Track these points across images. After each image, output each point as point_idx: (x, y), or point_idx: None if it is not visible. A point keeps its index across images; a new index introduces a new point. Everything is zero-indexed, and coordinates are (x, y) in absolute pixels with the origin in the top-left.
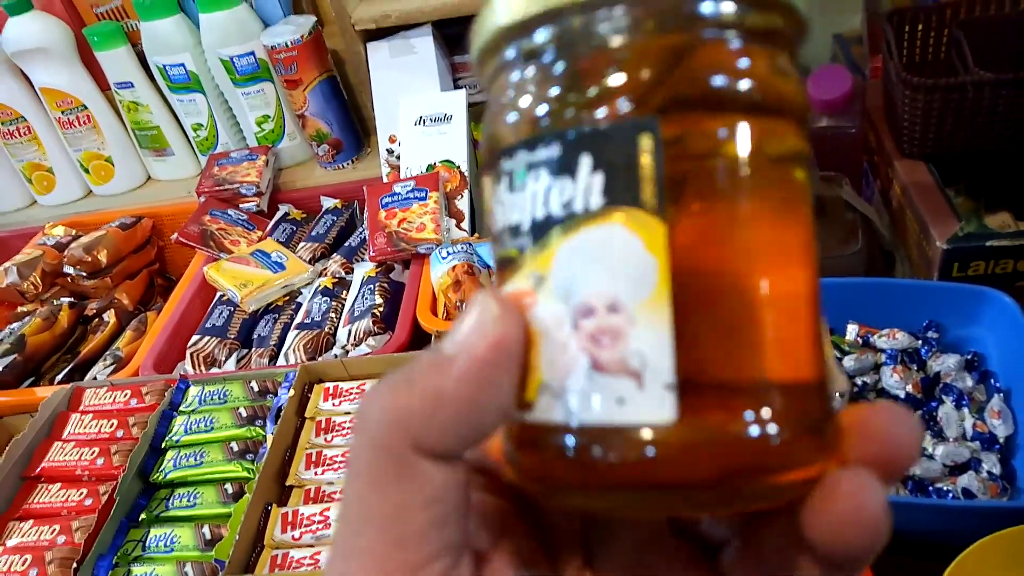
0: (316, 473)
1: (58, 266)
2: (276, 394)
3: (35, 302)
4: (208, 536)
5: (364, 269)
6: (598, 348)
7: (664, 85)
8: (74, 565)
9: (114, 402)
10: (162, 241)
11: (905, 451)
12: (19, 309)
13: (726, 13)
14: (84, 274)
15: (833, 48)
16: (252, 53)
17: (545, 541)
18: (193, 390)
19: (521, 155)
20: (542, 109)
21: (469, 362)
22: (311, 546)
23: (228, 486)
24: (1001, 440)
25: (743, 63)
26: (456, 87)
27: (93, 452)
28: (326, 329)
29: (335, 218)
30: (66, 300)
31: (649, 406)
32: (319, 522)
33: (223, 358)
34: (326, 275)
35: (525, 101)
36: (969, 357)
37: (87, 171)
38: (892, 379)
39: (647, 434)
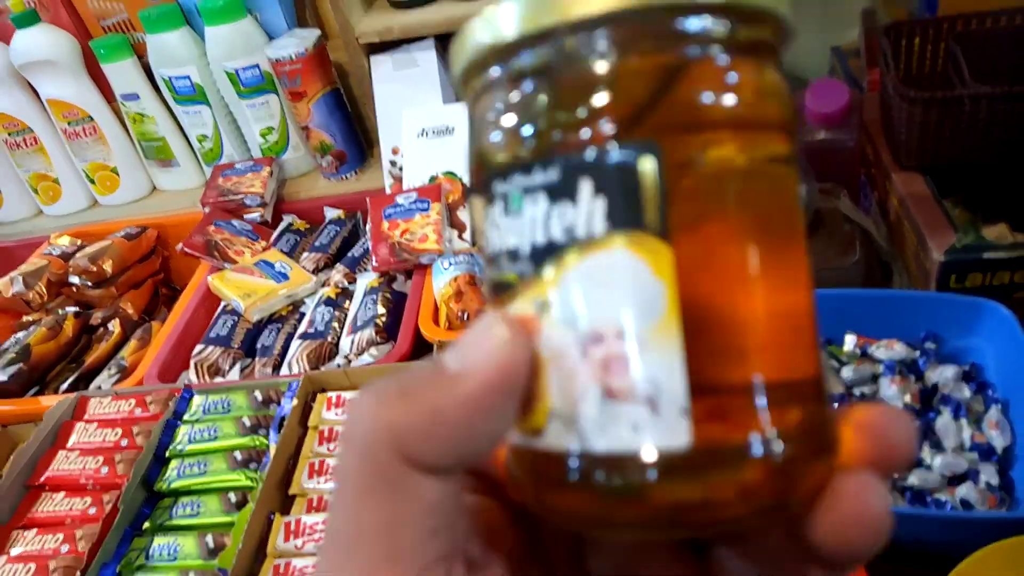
0: (319, 482)
1: (63, 276)
2: (279, 404)
3: (40, 311)
4: (211, 545)
5: (367, 279)
6: (609, 375)
7: (662, 106)
8: (77, 574)
9: (118, 411)
10: (167, 251)
11: (903, 449)
12: (24, 318)
13: (719, 30)
14: (89, 284)
15: (831, 61)
16: (257, 66)
17: (536, 542)
18: (197, 399)
19: (516, 179)
20: (536, 132)
21: (473, 384)
22: (314, 555)
23: (231, 495)
24: (999, 451)
25: (737, 80)
26: (458, 100)
27: (97, 461)
28: (329, 339)
29: (338, 229)
30: (71, 310)
31: (664, 432)
32: (322, 531)
33: (227, 368)
34: (329, 285)
35: (518, 123)
36: (967, 368)
37: (93, 181)
38: (890, 390)
39: (664, 460)
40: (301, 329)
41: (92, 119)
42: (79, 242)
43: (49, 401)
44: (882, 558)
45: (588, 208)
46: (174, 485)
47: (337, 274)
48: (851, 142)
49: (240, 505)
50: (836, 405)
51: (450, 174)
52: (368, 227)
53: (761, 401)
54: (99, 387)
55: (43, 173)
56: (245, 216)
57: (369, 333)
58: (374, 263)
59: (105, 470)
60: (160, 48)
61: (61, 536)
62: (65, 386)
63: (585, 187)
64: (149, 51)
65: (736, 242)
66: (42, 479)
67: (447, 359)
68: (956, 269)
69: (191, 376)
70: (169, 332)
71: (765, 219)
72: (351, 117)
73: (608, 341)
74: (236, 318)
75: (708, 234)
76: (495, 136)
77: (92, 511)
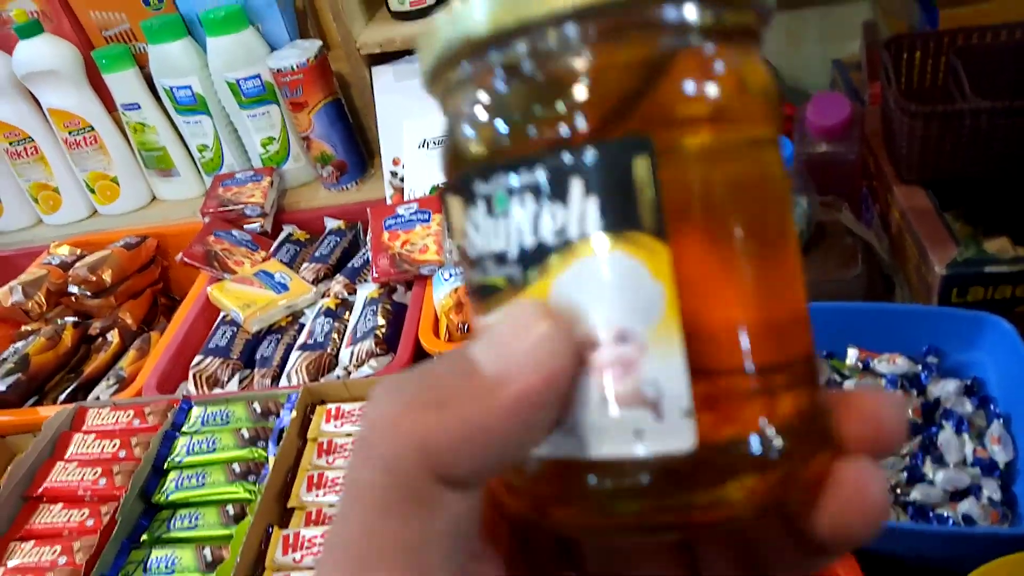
0: (318, 495)
1: (63, 285)
2: (278, 415)
3: (39, 321)
4: (209, 558)
5: (367, 290)
6: (610, 380)
7: (651, 99)
8: None
9: (117, 422)
10: (166, 261)
11: (895, 432)
12: (23, 328)
13: (704, 18)
14: (88, 294)
15: (832, 73)
16: (258, 76)
17: (524, 544)
18: (196, 411)
19: (499, 178)
20: (519, 130)
21: (516, 393)
22: (312, 568)
23: (230, 507)
24: (1001, 466)
25: (725, 68)
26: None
27: (95, 472)
28: (328, 350)
29: (338, 239)
30: (70, 320)
31: (668, 435)
32: (320, 544)
33: (226, 378)
34: (329, 296)
35: (498, 121)
36: (969, 382)
37: (93, 191)
38: None
39: (669, 464)
40: (300, 340)
41: (93, 129)
42: (79, 251)
43: (47, 411)
44: (885, 574)
45: (580, 209)
46: (172, 497)
47: (337, 285)
48: (852, 155)
49: (238, 518)
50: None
51: None
52: (368, 238)
53: (763, 398)
54: (97, 397)
55: (43, 183)
56: (245, 226)
57: (369, 344)
58: (374, 274)
59: (103, 482)
60: (162, 58)
61: (59, 548)
62: (63, 396)
63: (576, 187)
64: (151, 61)
65: (732, 236)
66: (40, 490)
67: (481, 358)
68: (958, 283)
69: (190, 387)
70: (168, 342)
71: (759, 208)
72: (352, 128)
73: (607, 345)
74: (235, 329)
75: (703, 230)
76: (473, 134)
77: (90, 523)
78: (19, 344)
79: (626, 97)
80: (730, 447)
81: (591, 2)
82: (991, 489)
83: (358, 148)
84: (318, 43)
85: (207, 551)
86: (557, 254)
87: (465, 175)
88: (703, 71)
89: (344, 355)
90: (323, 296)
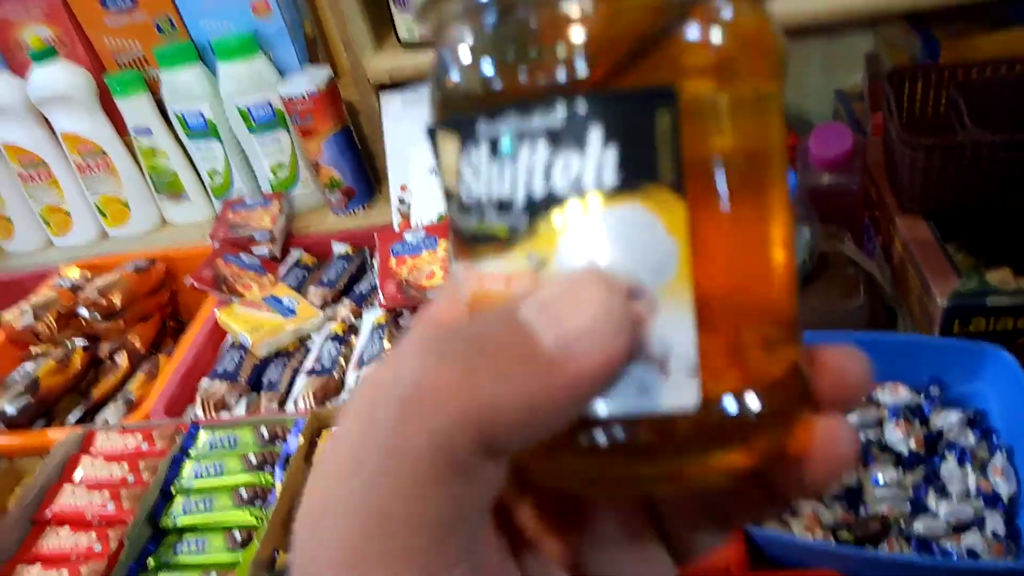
0: None
1: (72, 308)
2: (285, 440)
3: (48, 343)
4: None
5: (373, 315)
6: None
7: (675, 46)
8: None
9: (125, 446)
10: (175, 284)
11: (860, 384)
12: (32, 349)
13: None
14: (98, 316)
15: (835, 103)
16: (269, 103)
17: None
18: (203, 435)
19: (510, 120)
20: (538, 68)
21: (579, 373)
22: None
23: (236, 533)
24: (1005, 499)
25: (741, 16)
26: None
27: (103, 496)
28: (335, 375)
29: (346, 264)
30: (80, 342)
31: (673, 392)
32: None
33: (233, 402)
34: (336, 320)
35: (513, 55)
36: (971, 414)
37: (103, 214)
38: (895, 434)
39: (673, 420)
40: (307, 365)
41: (105, 153)
42: (88, 274)
43: (56, 434)
44: None
45: (598, 158)
46: (179, 522)
47: (344, 309)
48: (855, 186)
49: (245, 543)
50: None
51: None
52: (376, 263)
53: (762, 355)
54: (106, 420)
55: (55, 205)
56: (254, 250)
57: None
58: (381, 300)
59: (111, 506)
60: (174, 84)
61: (66, 572)
62: (72, 419)
63: (595, 135)
64: (163, 87)
65: (744, 191)
66: (48, 514)
67: (540, 330)
68: (960, 314)
69: (197, 411)
70: (176, 366)
71: (766, 167)
72: (360, 154)
73: None
74: (243, 353)
75: (715, 186)
76: (484, 69)
77: (97, 547)
78: (28, 365)
79: (649, 40)
80: (735, 405)
81: None
82: (995, 522)
83: (366, 174)
84: (328, 71)
85: None
86: (570, 204)
87: (467, 113)
88: (724, 21)
89: (351, 380)
90: (330, 321)
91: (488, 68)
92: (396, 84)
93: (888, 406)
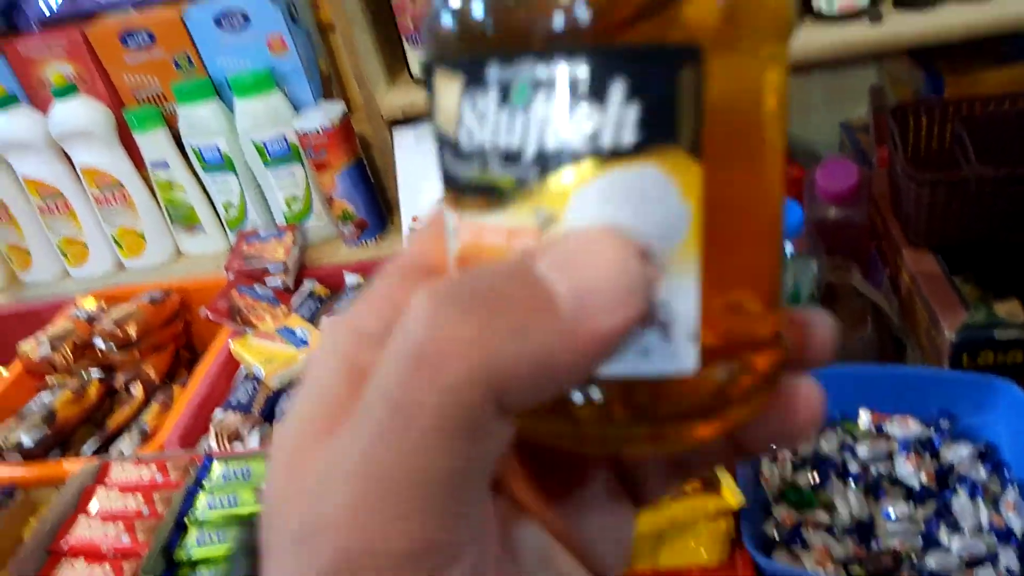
0: None
1: (88, 338)
2: None
3: (64, 373)
4: None
5: None
6: None
7: (697, 5)
8: None
9: (140, 478)
10: (189, 315)
11: (826, 343)
12: (48, 380)
13: None
14: (114, 347)
15: (840, 135)
16: (284, 137)
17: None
18: (217, 467)
19: (526, 65)
20: (564, 13)
21: (597, 335)
22: None
23: None
24: (1018, 534)
25: None
26: None
27: (118, 527)
28: None
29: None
30: (96, 373)
31: (673, 357)
32: None
33: (246, 434)
34: None
35: None
36: (982, 447)
37: (120, 245)
38: (906, 468)
39: (671, 384)
40: None
41: (123, 186)
42: (104, 305)
43: (72, 465)
44: None
45: (619, 114)
46: (193, 554)
47: None
48: (861, 218)
49: None
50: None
51: None
52: None
53: (753, 320)
54: (121, 451)
55: (72, 237)
56: (267, 282)
57: None
58: None
59: (125, 538)
60: (191, 119)
61: None
62: (87, 449)
63: (618, 90)
64: (180, 122)
65: (750, 156)
66: (64, 545)
67: (558, 289)
68: (968, 347)
69: (211, 442)
70: (190, 397)
71: (773, 128)
72: (373, 187)
73: None
74: (256, 384)
75: (730, 150)
76: (499, 5)
77: None
78: (45, 397)
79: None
80: (721, 371)
81: None
82: (1008, 558)
83: (379, 207)
84: (342, 106)
85: None
86: (585, 161)
87: (476, 54)
88: None
89: None
90: None
91: (508, 6)
92: (408, 119)
93: (898, 439)
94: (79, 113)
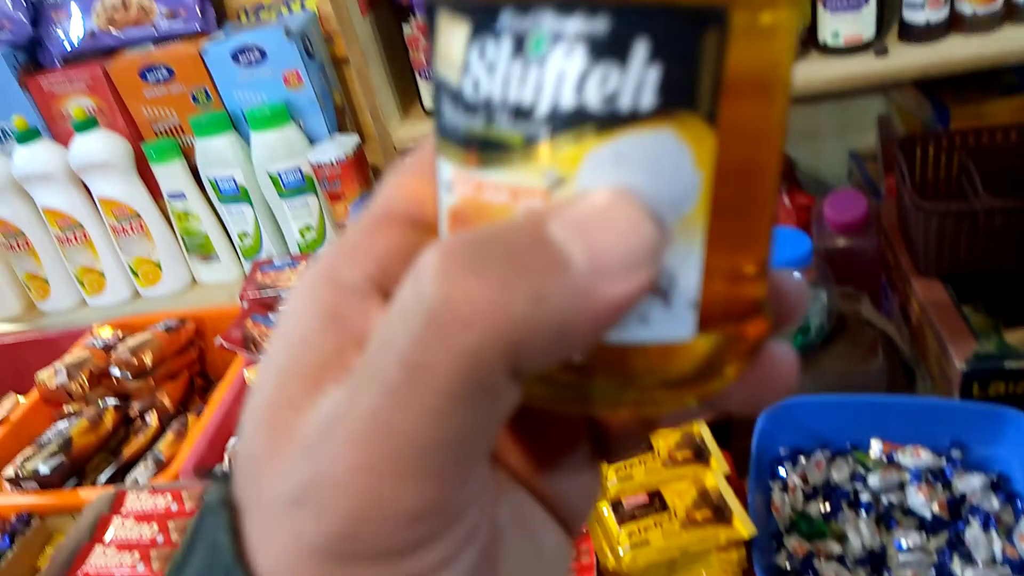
0: None
1: (105, 367)
2: None
3: (80, 402)
4: None
5: None
6: None
7: None
8: None
9: (155, 507)
10: (203, 343)
11: (798, 304)
12: (64, 408)
13: None
14: (129, 376)
15: (849, 165)
16: (299, 169)
17: None
18: None
19: (546, 17)
20: None
21: (611, 301)
22: None
23: None
24: None
25: None
26: None
27: (134, 557)
28: None
29: None
30: (111, 401)
31: (672, 324)
32: None
33: None
34: None
35: None
36: (994, 478)
37: (136, 274)
38: (917, 498)
39: (668, 349)
40: None
41: (140, 216)
42: (120, 334)
43: (88, 494)
44: None
45: (639, 76)
46: None
47: None
48: (870, 248)
49: None
50: None
51: None
52: None
53: (748, 288)
54: (136, 480)
55: (89, 266)
56: (280, 309)
57: None
58: None
59: (141, 567)
60: (207, 151)
61: None
62: (103, 478)
63: (641, 50)
64: (197, 154)
65: (757, 124)
66: (79, 574)
67: (572, 251)
68: (979, 377)
69: (225, 470)
70: (205, 426)
71: (781, 96)
72: None
73: None
74: None
75: (741, 119)
76: None
77: None
78: (61, 426)
79: None
80: (715, 338)
81: None
82: None
83: None
84: (356, 138)
85: None
86: (600, 123)
87: (492, 1)
88: None
89: None
90: None
91: None
92: None
93: (910, 469)
94: (99, 146)
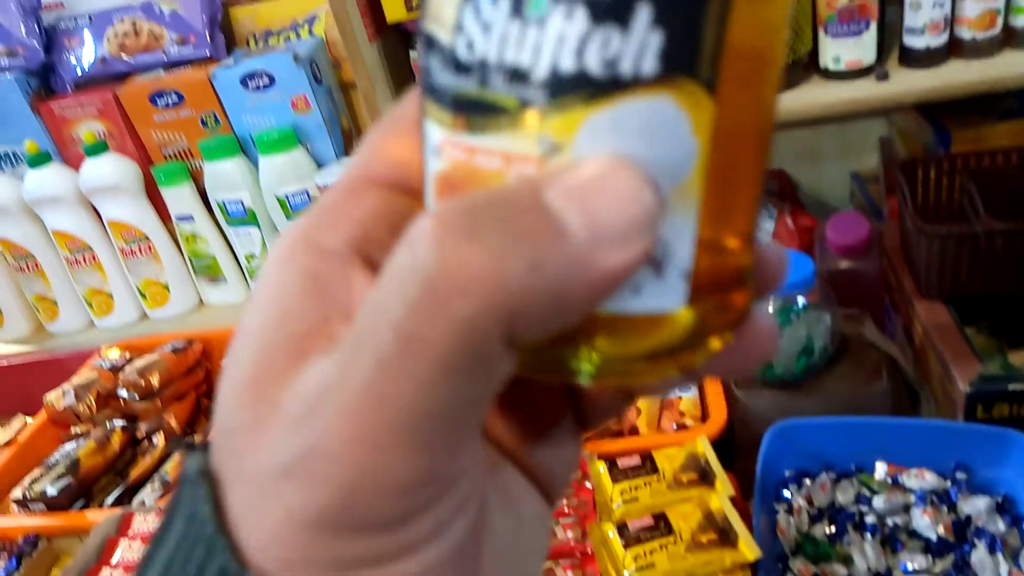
0: None
1: (112, 388)
2: None
3: (87, 423)
4: None
5: None
6: None
7: None
8: None
9: None
10: (210, 364)
11: (778, 270)
12: (72, 430)
13: None
14: (136, 397)
15: (851, 186)
16: (306, 191)
17: None
18: None
19: None
20: None
21: (609, 270)
22: None
23: None
24: None
25: None
26: None
27: None
28: None
29: None
30: (119, 423)
31: (663, 294)
32: None
33: None
34: None
35: None
36: (1000, 500)
37: (144, 296)
38: (923, 520)
39: (660, 319)
40: None
41: (148, 238)
42: (128, 355)
43: (95, 516)
44: None
45: (641, 41)
46: None
47: None
48: (873, 271)
49: None
50: None
51: None
52: None
53: (736, 257)
54: (143, 502)
55: (98, 288)
56: None
57: None
58: None
59: None
60: (216, 175)
61: None
62: (110, 500)
63: (643, 14)
64: (205, 177)
65: (754, 93)
66: None
67: (570, 220)
68: (982, 399)
69: None
70: None
71: (776, 65)
72: None
73: None
74: None
75: (740, 87)
76: None
77: None
78: (69, 447)
79: None
80: (703, 308)
81: None
82: None
83: None
84: None
85: None
86: (600, 88)
87: None
88: None
89: None
90: None
91: None
92: None
93: (915, 491)
94: (109, 169)
